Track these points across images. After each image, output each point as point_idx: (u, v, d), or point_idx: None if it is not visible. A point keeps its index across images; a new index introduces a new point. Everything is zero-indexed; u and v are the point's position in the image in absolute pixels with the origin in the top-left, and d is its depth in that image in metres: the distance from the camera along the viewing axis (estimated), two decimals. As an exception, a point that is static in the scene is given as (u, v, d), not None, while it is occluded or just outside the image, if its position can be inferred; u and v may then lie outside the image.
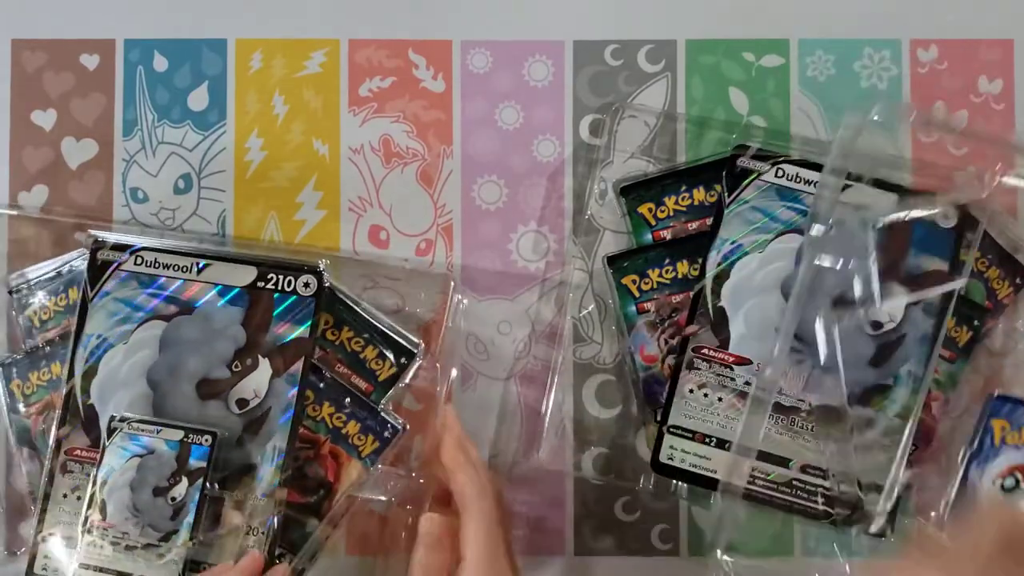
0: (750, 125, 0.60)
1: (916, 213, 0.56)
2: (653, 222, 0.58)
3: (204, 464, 0.53)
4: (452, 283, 0.59)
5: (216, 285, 0.56)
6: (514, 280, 0.60)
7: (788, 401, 0.56)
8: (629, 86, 0.60)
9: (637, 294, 0.58)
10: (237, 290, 0.56)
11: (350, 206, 0.60)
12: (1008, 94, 0.60)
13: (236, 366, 0.55)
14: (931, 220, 0.55)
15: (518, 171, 0.60)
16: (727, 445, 0.56)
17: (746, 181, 0.57)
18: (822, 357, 0.55)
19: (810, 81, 0.60)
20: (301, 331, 0.56)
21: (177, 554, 0.53)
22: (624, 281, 0.58)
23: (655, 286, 0.58)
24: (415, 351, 0.57)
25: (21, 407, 0.58)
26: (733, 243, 0.57)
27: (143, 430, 0.54)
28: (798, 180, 0.56)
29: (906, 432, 0.55)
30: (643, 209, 0.58)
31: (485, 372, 0.60)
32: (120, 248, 0.56)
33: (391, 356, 0.57)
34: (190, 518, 0.53)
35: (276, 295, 0.56)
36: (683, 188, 0.58)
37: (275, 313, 0.56)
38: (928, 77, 0.60)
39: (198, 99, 0.61)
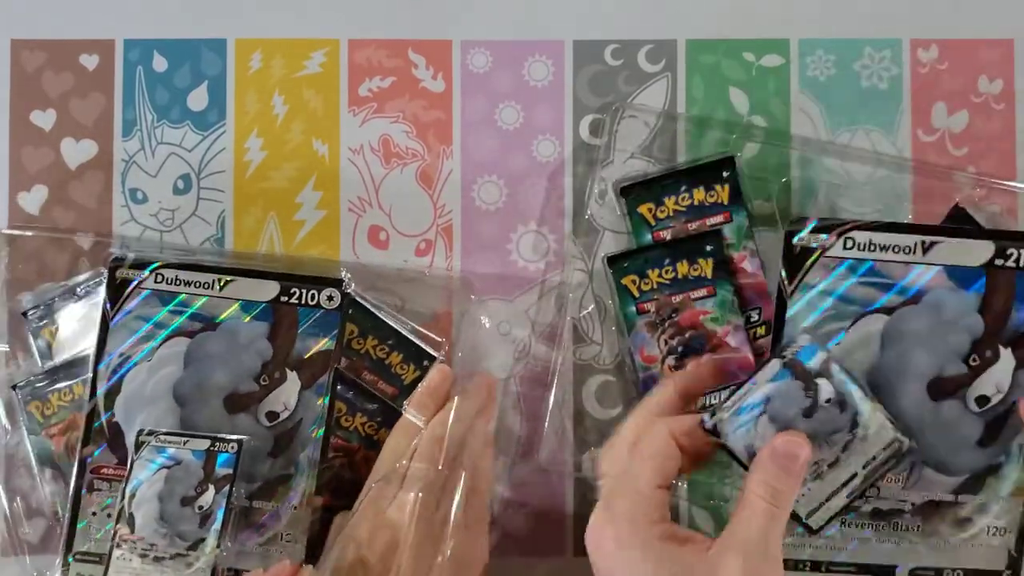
0: (750, 125, 0.60)
1: (1019, 260, 0.48)
2: (653, 222, 0.58)
3: (230, 471, 0.53)
4: (472, 296, 0.60)
5: (239, 301, 0.56)
6: (514, 280, 0.60)
7: (887, 505, 0.50)
8: (629, 86, 0.60)
9: (637, 294, 0.58)
10: (261, 305, 0.56)
11: (350, 206, 0.60)
12: (1008, 94, 0.60)
13: (264, 380, 0.56)
14: None
15: (518, 171, 0.60)
16: None
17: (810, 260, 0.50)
18: (924, 450, 0.50)
19: (810, 81, 0.60)
20: (327, 343, 0.56)
21: (205, 562, 0.53)
22: (624, 281, 0.58)
23: (655, 286, 0.58)
24: (436, 353, 0.57)
25: (41, 428, 0.57)
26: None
27: (170, 442, 0.54)
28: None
29: (1020, 512, 0.50)
30: (643, 209, 0.58)
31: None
32: (139, 266, 0.56)
33: (414, 360, 0.57)
34: (217, 525, 0.53)
35: (300, 309, 0.56)
36: (683, 188, 0.57)
37: (300, 326, 0.56)
38: (928, 77, 0.60)
39: (197, 99, 0.61)
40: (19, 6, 0.61)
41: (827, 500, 0.47)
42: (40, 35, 0.61)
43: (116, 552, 0.53)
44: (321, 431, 0.56)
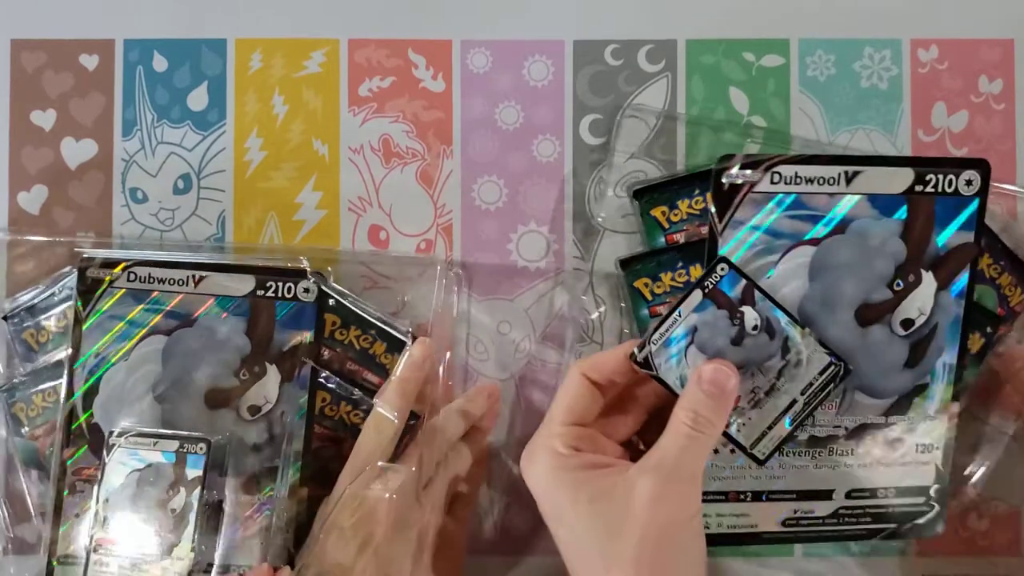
0: (750, 125, 0.60)
1: (937, 185, 0.49)
2: (666, 225, 0.58)
3: (200, 473, 0.53)
4: (454, 272, 0.59)
5: (215, 296, 0.56)
6: (514, 280, 0.60)
7: (823, 431, 0.52)
8: (629, 86, 0.60)
9: (650, 297, 0.57)
10: (237, 300, 0.56)
11: (350, 206, 0.60)
12: (1008, 94, 0.60)
13: (244, 374, 0.56)
14: (954, 188, 0.50)
15: (518, 171, 0.60)
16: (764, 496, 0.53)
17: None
18: (854, 375, 0.51)
19: (810, 81, 0.60)
20: (306, 336, 0.56)
21: (181, 566, 0.53)
22: (637, 284, 0.58)
23: (668, 289, 0.57)
24: (406, 339, 0.57)
25: (26, 429, 0.57)
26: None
27: (140, 444, 0.54)
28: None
29: (945, 428, 0.52)
30: (656, 212, 0.58)
31: (485, 372, 0.60)
32: (109, 265, 0.56)
33: (399, 350, 0.57)
34: (191, 528, 0.53)
35: (277, 302, 0.56)
36: (696, 192, 0.57)
37: (278, 320, 0.56)
38: (928, 77, 0.60)
39: (197, 99, 0.61)
40: (19, 6, 0.61)
41: (769, 429, 0.48)
42: (40, 35, 0.61)
43: (93, 557, 0.53)
44: (304, 415, 0.56)
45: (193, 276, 0.56)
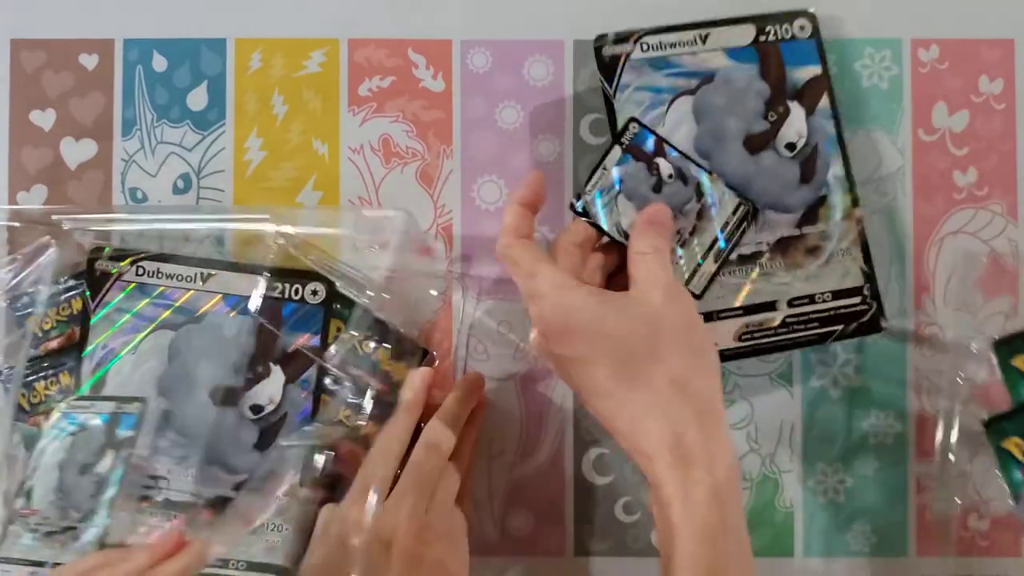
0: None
1: (776, 33, 0.58)
2: None
3: (132, 433, 0.53)
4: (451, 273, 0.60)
5: (223, 295, 0.56)
6: (514, 280, 0.60)
7: (748, 249, 0.57)
8: (629, 86, 0.60)
9: (1022, 457, 0.54)
10: (244, 299, 0.56)
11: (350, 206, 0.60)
12: (1008, 94, 0.60)
13: (249, 374, 0.56)
14: (791, 34, 0.58)
15: (518, 171, 0.60)
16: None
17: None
18: (758, 196, 0.57)
19: (810, 81, 0.60)
20: (312, 338, 0.56)
21: (94, 534, 0.52)
22: (1005, 444, 0.54)
23: None
24: (421, 353, 0.58)
25: (27, 416, 0.57)
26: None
27: (79, 407, 0.54)
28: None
29: (855, 232, 0.57)
30: (1018, 362, 0.55)
31: (485, 372, 0.60)
32: (118, 257, 0.56)
33: (403, 356, 0.58)
34: (111, 493, 0.52)
35: (284, 303, 0.56)
36: None
37: (284, 321, 0.56)
38: (929, 77, 0.60)
39: (197, 99, 0.61)
40: (19, 6, 0.61)
41: (699, 266, 0.53)
42: (40, 35, 0.61)
43: (11, 528, 0.52)
44: (307, 417, 0.56)
45: (201, 273, 0.56)
